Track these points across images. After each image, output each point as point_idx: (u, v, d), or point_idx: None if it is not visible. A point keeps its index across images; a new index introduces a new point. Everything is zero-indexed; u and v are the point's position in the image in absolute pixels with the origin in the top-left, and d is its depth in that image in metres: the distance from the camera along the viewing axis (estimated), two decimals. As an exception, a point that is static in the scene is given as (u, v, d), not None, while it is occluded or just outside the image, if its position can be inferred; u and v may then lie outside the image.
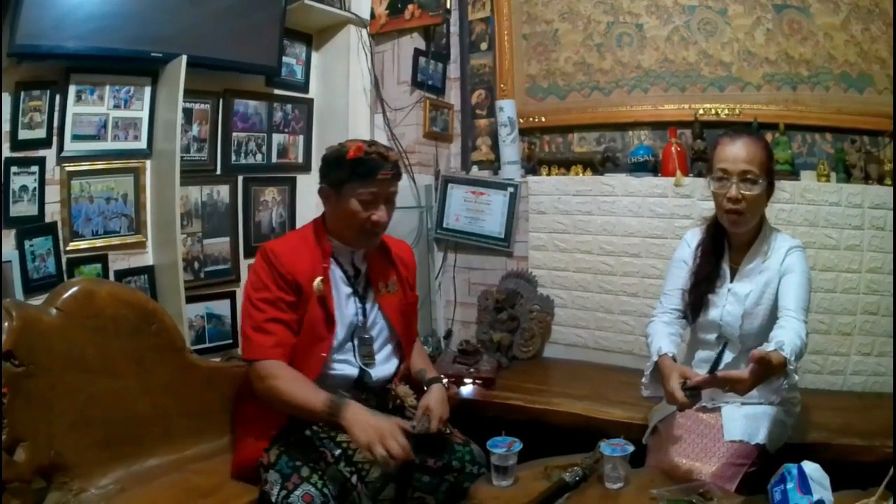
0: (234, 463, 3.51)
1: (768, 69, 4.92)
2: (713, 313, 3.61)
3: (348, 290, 3.59)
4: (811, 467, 2.79)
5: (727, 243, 3.66)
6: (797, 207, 4.64)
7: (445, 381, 4.03)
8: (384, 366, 3.65)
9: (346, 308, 3.54)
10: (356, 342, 3.57)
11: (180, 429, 3.60)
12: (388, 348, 3.72)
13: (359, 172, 3.36)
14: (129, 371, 3.40)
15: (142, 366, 3.41)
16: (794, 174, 4.75)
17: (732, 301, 3.57)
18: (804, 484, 2.74)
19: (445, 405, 3.64)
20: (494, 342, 5.40)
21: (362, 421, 3.07)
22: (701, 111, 5.07)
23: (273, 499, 3.11)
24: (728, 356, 3.59)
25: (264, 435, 3.38)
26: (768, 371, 2.92)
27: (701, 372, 3.39)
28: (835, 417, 4.07)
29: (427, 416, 3.47)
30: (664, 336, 3.59)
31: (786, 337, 3.07)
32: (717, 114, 5.03)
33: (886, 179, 4.56)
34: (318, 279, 3.43)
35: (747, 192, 3.36)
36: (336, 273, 3.56)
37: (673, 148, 5.05)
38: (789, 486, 2.77)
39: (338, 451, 3.33)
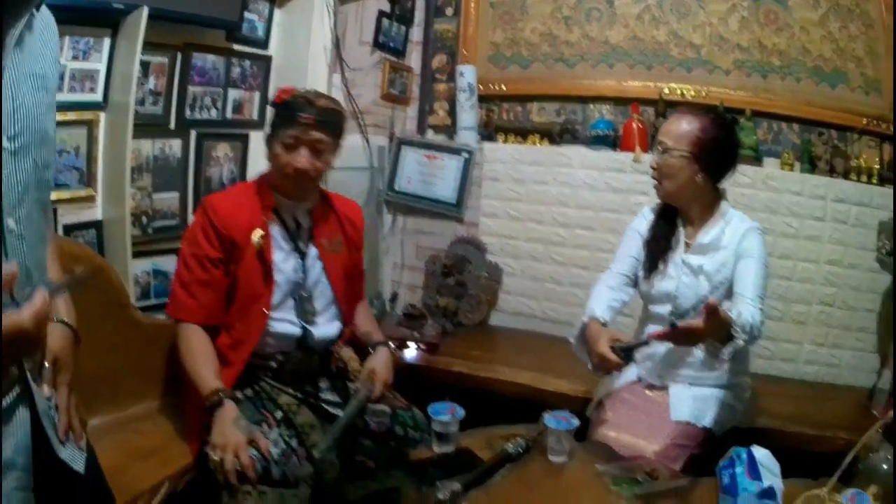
0: (185, 423, 3.49)
1: (739, 55, 4.95)
2: (667, 284, 3.60)
3: (289, 245, 3.55)
4: (761, 453, 2.78)
5: (681, 218, 3.67)
6: (758, 193, 4.70)
7: (392, 345, 4.01)
8: (327, 326, 3.62)
9: (285, 263, 3.49)
10: (297, 300, 3.53)
11: (125, 387, 3.57)
12: (332, 310, 3.68)
13: (282, 115, 3.40)
14: (73, 328, 3.33)
15: (87, 324, 3.32)
16: (757, 160, 4.80)
17: (687, 272, 3.56)
18: (754, 469, 2.72)
19: (390, 369, 3.66)
20: (440, 307, 5.43)
21: (223, 425, 3.05)
22: (666, 90, 5.10)
23: (212, 465, 3.03)
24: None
25: (196, 424, 3.31)
26: (718, 325, 2.85)
27: (652, 348, 3.49)
28: (786, 405, 4.12)
29: (371, 379, 3.49)
30: (603, 300, 3.63)
31: (740, 310, 3.10)
32: (682, 94, 5.06)
33: (852, 174, 4.63)
34: (258, 232, 3.40)
35: (661, 162, 3.49)
36: (276, 227, 3.52)
37: (634, 124, 5.07)
38: (738, 469, 2.75)
39: (279, 414, 3.32)
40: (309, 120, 3.35)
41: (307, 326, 3.52)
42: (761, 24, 4.86)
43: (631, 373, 3.77)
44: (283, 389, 3.47)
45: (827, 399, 4.35)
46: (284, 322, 3.48)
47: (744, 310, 3.12)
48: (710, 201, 3.59)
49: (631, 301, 3.82)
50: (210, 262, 3.36)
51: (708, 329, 2.83)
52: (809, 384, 4.69)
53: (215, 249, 3.36)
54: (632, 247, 3.78)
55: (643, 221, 3.80)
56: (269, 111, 3.56)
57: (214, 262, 3.36)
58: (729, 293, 3.44)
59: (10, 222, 1.65)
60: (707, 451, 3.40)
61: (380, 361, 3.65)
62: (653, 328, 3.59)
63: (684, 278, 3.56)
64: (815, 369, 4.76)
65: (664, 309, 3.64)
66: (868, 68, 4.70)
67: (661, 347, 3.57)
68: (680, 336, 2.96)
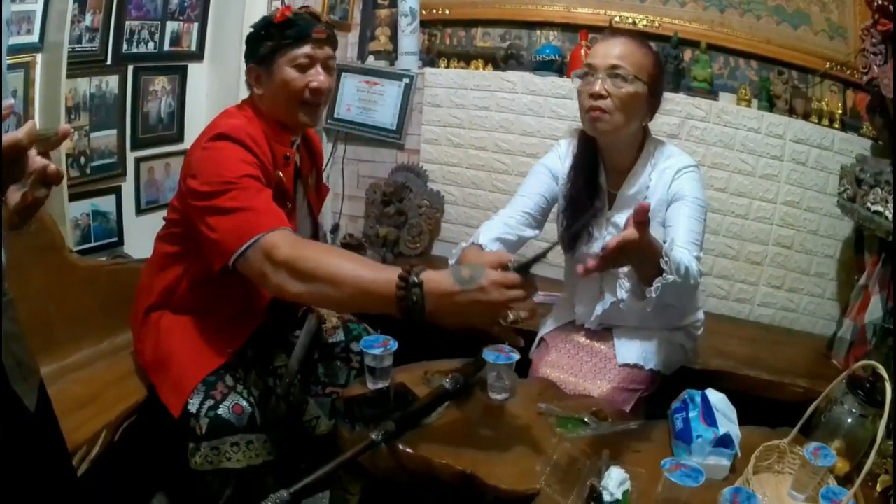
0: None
1: (696, -12, 4.82)
2: (595, 246, 3.31)
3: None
4: (716, 397, 2.72)
5: (602, 164, 3.32)
6: (712, 127, 4.67)
7: None
8: None
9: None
10: None
11: (60, 335, 3.49)
12: None
13: (290, 35, 3.06)
14: (7, 275, 3.24)
15: (20, 269, 3.26)
16: (711, 94, 4.75)
17: (614, 233, 3.20)
18: (708, 414, 2.65)
19: None
20: (380, 237, 5.43)
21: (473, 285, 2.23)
22: (617, 19, 4.99)
23: (193, 410, 2.94)
24: (611, 293, 3.36)
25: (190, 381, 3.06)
26: (647, 246, 2.47)
27: (586, 307, 3.44)
28: (740, 347, 4.11)
29: (328, 321, 3.51)
30: (492, 231, 3.28)
31: (674, 249, 2.73)
32: (634, 23, 4.98)
33: (812, 117, 4.60)
34: (278, 173, 3.13)
35: (613, 90, 2.99)
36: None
37: (582, 51, 4.97)
38: (692, 414, 2.68)
39: (250, 352, 3.26)
40: (322, 34, 3.11)
41: None
42: (719, -41, 4.80)
43: (572, 311, 3.60)
44: (255, 337, 3.33)
45: (783, 344, 4.35)
46: None
47: (678, 250, 2.79)
48: (640, 142, 3.26)
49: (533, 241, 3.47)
50: (265, 184, 2.90)
51: (638, 242, 2.42)
52: (764, 327, 4.70)
53: (263, 174, 2.92)
54: (541, 184, 3.43)
55: (556, 161, 3.45)
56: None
57: (267, 184, 2.93)
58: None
59: None
60: (657, 391, 3.36)
61: None
62: (584, 287, 3.46)
63: (611, 239, 3.31)
64: (771, 312, 4.77)
65: None
66: (833, 14, 4.64)
67: (596, 307, 3.43)
68: (610, 259, 2.47)
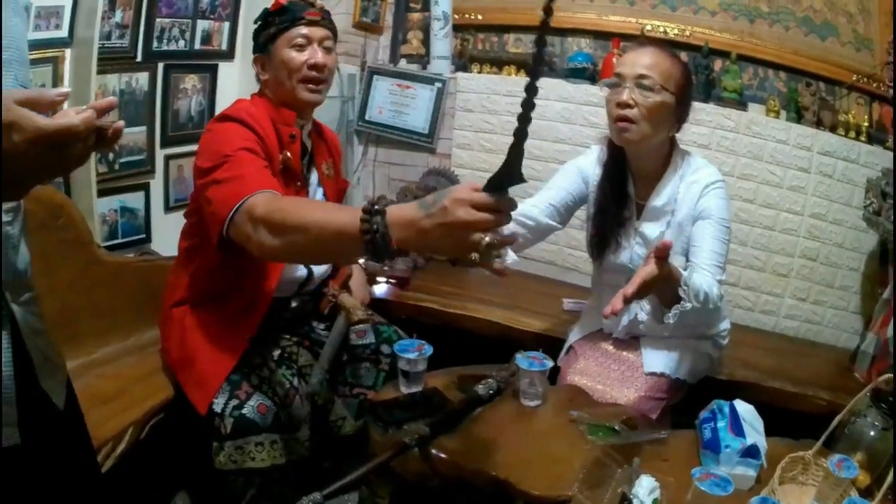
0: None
1: (726, -2, 4.79)
2: (622, 256, 3.41)
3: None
4: (744, 408, 2.74)
5: (631, 173, 3.39)
6: (741, 138, 4.62)
7: (362, 261, 3.99)
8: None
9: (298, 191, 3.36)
10: None
11: (87, 330, 3.49)
12: None
13: (285, 19, 3.25)
14: (35, 269, 3.23)
15: (48, 263, 3.26)
16: (741, 104, 4.70)
17: (641, 242, 3.36)
18: (736, 424, 2.66)
19: (366, 287, 3.77)
20: None
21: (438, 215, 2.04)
22: (648, 27, 4.96)
23: (219, 409, 3.00)
24: (636, 308, 3.40)
25: (216, 375, 3.14)
26: (667, 276, 2.70)
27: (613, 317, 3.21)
28: (765, 358, 4.07)
29: (353, 314, 3.46)
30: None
31: (693, 273, 2.91)
32: (665, 32, 4.93)
33: (839, 129, 4.53)
34: (285, 153, 3.23)
35: (641, 99, 3.04)
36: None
37: (614, 59, 4.89)
38: (720, 424, 2.69)
39: (277, 353, 3.30)
40: (316, 16, 3.28)
41: (310, 267, 3.44)
42: (749, -32, 4.77)
43: (599, 321, 3.61)
44: (280, 335, 3.43)
45: (806, 356, 4.31)
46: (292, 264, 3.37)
47: (698, 275, 2.95)
48: (668, 152, 3.31)
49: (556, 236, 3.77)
50: (263, 158, 2.97)
51: (658, 277, 2.65)
52: (789, 339, 4.66)
53: (262, 149, 3.01)
54: (569, 181, 3.52)
55: (588, 166, 3.51)
56: (244, 38, 3.48)
57: (264, 157, 2.99)
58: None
59: None
60: (682, 400, 3.39)
61: (354, 281, 3.70)
62: (609, 294, 3.15)
63: (638, 249, 3.37)
64: (796, 325, 4.72)
65: (619, 279, 3.28)
66: (860, 25, 4.59)
67: (622, 317, 3.46)
68: (634, 298, 2.67)
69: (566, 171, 3.57)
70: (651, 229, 3.31)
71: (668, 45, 3.57)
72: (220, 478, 3.01)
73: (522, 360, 3.06)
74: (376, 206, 1.93)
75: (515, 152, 1.84)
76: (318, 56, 3.24)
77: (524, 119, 1.79)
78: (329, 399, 3.45)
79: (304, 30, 3.24)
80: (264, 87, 3.36)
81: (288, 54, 3.22)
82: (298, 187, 3.31)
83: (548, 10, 1.64)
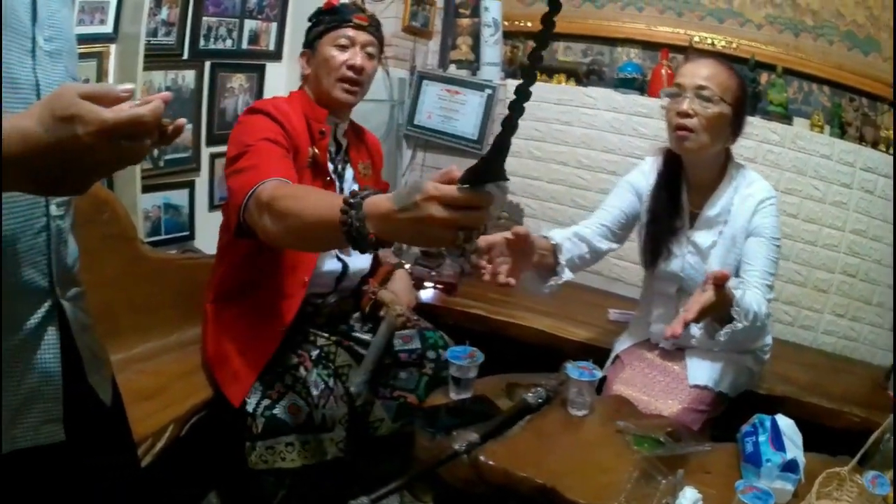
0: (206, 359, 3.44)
1: (772, 11, 4.80)
2: (674, 264, 3.45)
3: (330, 165, 3.48)
4: (785, 422, 2.74)
5: (686, 182, 3.43)
6: (786, 152, 4.61)
7: (408, 265, 4.07)
8: (361, 259, 3.57)
9: (328, 186, 3.40)
10: None
11: (128, 325, 3.50)
12: None
13: (334, 19, 3.37)
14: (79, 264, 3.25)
15: (92, 258, 3.23)
16: (786, 118, 4.67)
17: (693, 251, 3.41)
18: (777, 439, 2.66)
19: (411, 291, 3.75)
20: (458, 246, 5.24)
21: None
22: (697, 39, 4.95)
23: (250, 409, 3.05)
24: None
25: (250, 368, 3.19)
26: (722, 300, 2.72)
27: (662, 326, 3.39)
28: (803, 373, 4.06)
29: (392, 309, 3.50)
30: (563, 232, 3.40)
31: (745, 293, 2.94)
32: (712, 44, 4.92)
33: (881, 145, 4.50)
34: (313, 148, 3.31)
35: (700, 109, 3.10)
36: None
37: (663, 70, 4.95)
38: (761, 438, 2.69)
39: (315, 353, 3.30)
40: (363, 21, 3.38)
41: (344, 259, 3.47)
42: (794, -18, 4.73)
43: (646, 331, 3.70)
44: (318, 334, 3.44)
45: (842, 372, 4.29)
46: (326, 257, 3.40)
47: (749, 294, 2.97)
48: (723, 163, 3.36)
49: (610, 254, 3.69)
50: (283, 148, 3.04)
51: (716, 304, 2.69)
52: (826, 355, 4.62)
53: (285, 140, 3.09)
54: (622, 199, 3.58)
55: (641, 177, 3.58)
56: (292, 39, 3.59)
57: (287, 149, 3.06)
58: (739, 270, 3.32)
59: None
60: (728, 413, 3.41)
61: (399, 285, 3.71)
62: (659, 310, 3.59)
63: (690, 258, 3.42)
64: (833, 340, 4.69)
65: (670, 288, 3.53)
66: (899, 40, 4.56)
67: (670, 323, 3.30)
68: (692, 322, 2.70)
69: (619, 189, 3.63)
70: (703, 238, 3.36)
71: (724, 59, 3.59)
72: (252, 478, 3.04)
73: (573, 369, 3.08)
74: (352, 200, 1.90)
75: (500, 146, 1.64)
76: (358, 59, 3.33)
77: (516, 109, 1.58)
78: (369, 401, 3.44)
79: (349, 32, 3.34)
80: (305, 83, 3.48)
81: (330, 52, 3.33)
82: (327, 182, 3.38)
83: (550, 15, 1.56)
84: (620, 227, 3.56)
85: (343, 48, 3.33)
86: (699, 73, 3.15)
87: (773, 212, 3.27)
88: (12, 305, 1.53)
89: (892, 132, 4.51)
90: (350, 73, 3.33)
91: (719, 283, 2.65)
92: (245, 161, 2.86)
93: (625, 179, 3.64)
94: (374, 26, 3.44)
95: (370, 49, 3.40)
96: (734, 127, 3.22)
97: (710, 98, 3.09)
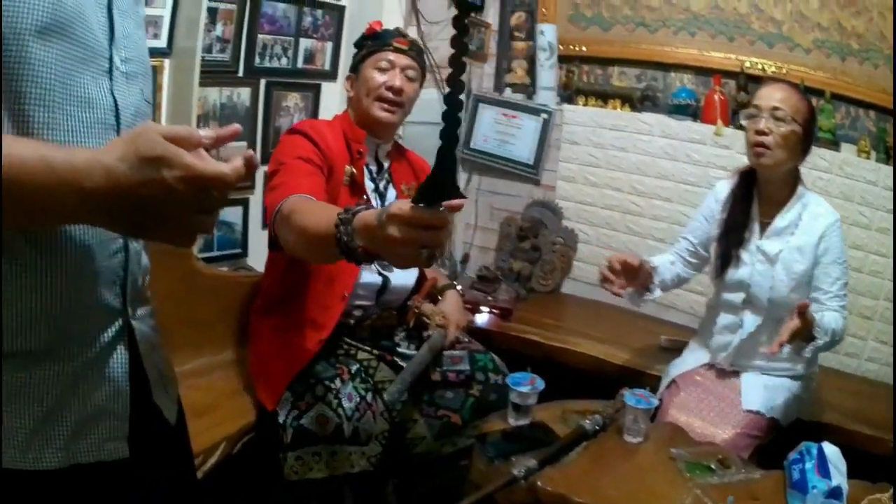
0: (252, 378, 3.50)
1: (819, 35, 4.74)
2: (742, 272, 3.59)
3: (370, 185, 3.57)
4: (831, 450, 2.78)
5: (758, 195, 3.63)
6: (834, 178, 4.55)
7: (459, 287, 4.05)
8: (405, 274, 3.59)
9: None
10: None
11: (180, 341, 3.43)
12: None
13: (376, 43, 3.53)
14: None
15: (146, 272, 3.28)
16: (834, 144, 4.63)
17: (762, 259, 3.56)
18: (823, 466, 2.70)
19: (463, 312, 3.76)
20: (514, 271, 5.37)
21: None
22: (748, 64, 4.91)
23: (281, 420, 3.10)
24: (750, 323, 3.61)
25: (284, 376, 3.26)
26: (805, 325, 3.06)
27: (723, 339, 3.68)
28: (846, 400, 4.06)
29: (443, 326, 3.53)
30: (661, 259, 3.85)
31: (824, 315, 3.26)
32: (763, 69, 4.87)
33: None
34: (349, 166, 3.42)
35: (775, 128, 3.36)
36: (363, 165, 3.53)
37: (716, 96, 4.91)
38: (808, 465, 2.73)
39: (355, 367, 3.30)
40: (403, 44, 3.51)
41: (386, 274, 3.50)
42: (840, 4, 4.66)
43: (703, 355, 3.80)
44: (360, 347, 3.47)
45: (882, 399, 4.18)
46: (366, 270, 3.42)
47: (828, 315, 3.29)
48: (793, 181, 3.56)
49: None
50: (316, 166, 3.20)
51: (803, 328, 3.04)
52: (869, 382, 4.57)
53: (319, 158, 3.24)
54: (697, 230, 3.88)
55: (713, 204, 3.81)
56: (347, 59, 3.88)
57: (320, 167, 3.22)
58: (805, 285, 3.52)
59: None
60: (772, 440, 3.47)
61: (450, 304, 3.73)
62: (724, 318, 3.71)
63: (759, 266, 3.57)
64: (876, 367, 4.62)
65: (737, 297, 3.65)
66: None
67: (733, 338, 3.65)
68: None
69: (694, 220, 3.94)
70: (772, 247, 3.54)
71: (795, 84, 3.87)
72: (288, 489, 3.10)
73: (630, 397, 3.13)
74: (344, 214, 1.96)
75: (444, 160, 1.60)
76: (397, 80, 3.45)
77: (451, 118, 1.56)
78: (411, 417, 3.46)
79: (390, 55, 3.49)
80: (349, 105, 3.64)
81: (371, 74, 3.48)
82: (364, 200, 3.40)
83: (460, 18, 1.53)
84: (698, 257, 3.88)
85: (383, 70, 3.47)
86: (774, 95, 3.42)
87: (840, 235, 3.51)
88: (84, 323, 1.54)
89: (893, 143, 4.52)
90: (388, 94, 3.44)
91: (802, 310, 3.00)
92: (278, 178, 3.04)
93: (699, 210, 3.92)
94: (414, 50, 3.57)
95: (410, 72, 3.51)
96: (804, 145, 3.45)
97: (783, 118, 3.35)
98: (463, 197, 1.73)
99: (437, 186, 1.62)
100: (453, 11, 1.43)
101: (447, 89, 1.50)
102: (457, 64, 1.48)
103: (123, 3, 1.57)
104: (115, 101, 1.52)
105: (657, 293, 3.75)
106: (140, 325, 1.70)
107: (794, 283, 3.49)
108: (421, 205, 1.64)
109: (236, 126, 1.43)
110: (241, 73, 4.38)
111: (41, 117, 1.35)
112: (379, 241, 1.76)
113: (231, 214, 4.39)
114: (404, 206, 1.66)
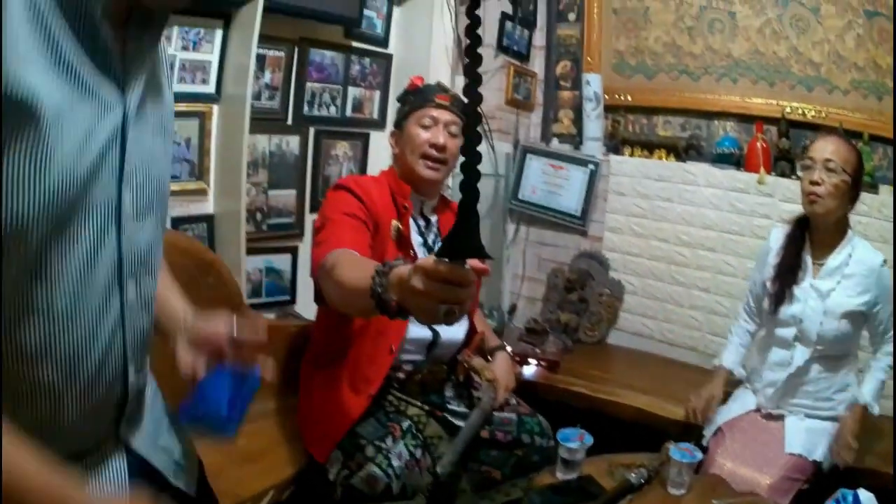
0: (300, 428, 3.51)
1: (856, 75, 4.77)
2: (795, 308, 3.71)
3: (419, 239, 3.57)
4: (866, 496, 2.91)
5: (810, 240, 3.78)
6: (873, 222, 4.55)
7: (509, 349, 4.08)
8: (453, 328, 3.45)
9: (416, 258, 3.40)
10: None
11: (228, 387, 3.48)
12: None
13: (418, 100, 3.53)
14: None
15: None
16: (873, 187, 4.61)
17: (815, 296, 3.68)
18: None
19: (512, 374, 3.74)
20: (561, 323, 5.36)
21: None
22: (788, 109, 4.93)
23: (332, 478, 3.11)
24: (800, 357, 3.69)
25: (335, 431, 3.26)
26: (863, 422, 3.51)
27: (773, 375, 3.77)
28: (880, 444, 4.01)
29: (493, 387, 3.55)
30: (734, 348, 4.15)
31: (864, 387, 3.71)
32: (803, 114, 4.91)
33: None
34: (395, 221, 3.42)
35: (827, 178, 3.52)
36: (410, 220, 3.54)
37: (759, 143, 4.94)
38: None
39: (406, 424, 3.31)
40: (445, 100, 3.51)
41: (436, 328, 3.49)
42: (875, 42, 4.68)
43: (749, 401, 3.89)
44: (410, 402, 3.46)
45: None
46: (414, 325, 3.39)
47: (870, 384, 3.72)
48: (843, 227, 3.72)
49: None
50: (361, 221, 3.20)
51: (859, 431, 3.54)
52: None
53: (364, 213, 3.24)
54: (754, 282, 4.10)
55: (764, 254, 4.01)
56: (394, 108, 3.78)
57: (365, 222, 3.22)
58: (855, 322, 3.66)
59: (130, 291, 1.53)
60: (814, 485, 3.57)
61: (500, 367, 3.73)
62: (776, 355, 3.81)
63: (811, 302, 3.66)
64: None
65: (789, 332, 3.74)
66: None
67: (782, 374, 3.73)
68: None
69: (751, 279, 4.18)
70: (825, 284, 3.69)
71: (844, 135, 3.99)
72: None
73: (675, 451, 3.19)
74: (381, 268, 1.97)
75: (465, 214, 1.53)
76: (441, 138, 3.46)
77: (471, 170, 1.50)
78: (455, 474, 3.46)
79: (433, 111, 3.49)
80: (394, 161, 3.66)
81: (415, 131, 3.49)
82: (411, 255, 3.43)
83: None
84: (761, 312, 4.01)
85: (426, 127, 3.48)
86: (826, 148, 3.60)
87: (890, 278, 3.68)
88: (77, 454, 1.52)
89: (893, 170, 4.65)
90: (433, 152, 3.46)
91: (857, 416, 3.53)
92: (323, 234, 3.07)
93: (754, 267, 4.16)
94: (457, 105, 3.55)
95: (453, 128, 3.51)
96: (853, 193, 3.64)
97: (834, 169, 3.53)
98: (488, 257, 1.67)
99: (459, 242, 1.58)
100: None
101: (474, 141, 1.44)
102: (473, 114, 1.45)
103: (146, 125, 1.55)
104: (120, 256, 1.47)
105: (739, 372, 4.08)
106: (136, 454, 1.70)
107: (845, 321, 3.61)
108: (445, 259, 1.62)
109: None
110: (289, 122, 4.42)
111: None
112: (406, 292, 1.78)
113: (279, 261, 4.42)
114: (430, 259, 1.66)
